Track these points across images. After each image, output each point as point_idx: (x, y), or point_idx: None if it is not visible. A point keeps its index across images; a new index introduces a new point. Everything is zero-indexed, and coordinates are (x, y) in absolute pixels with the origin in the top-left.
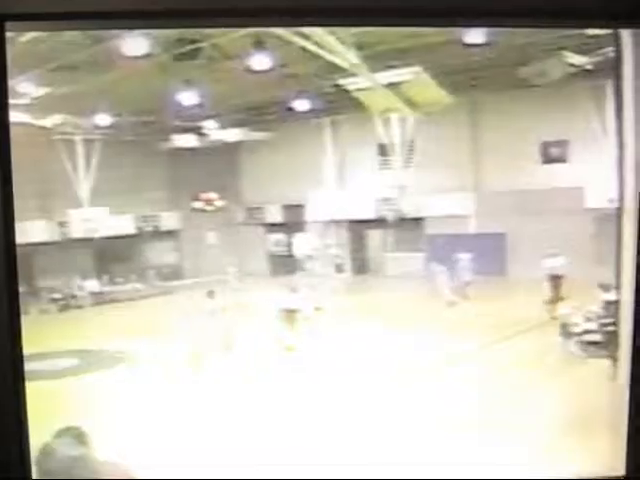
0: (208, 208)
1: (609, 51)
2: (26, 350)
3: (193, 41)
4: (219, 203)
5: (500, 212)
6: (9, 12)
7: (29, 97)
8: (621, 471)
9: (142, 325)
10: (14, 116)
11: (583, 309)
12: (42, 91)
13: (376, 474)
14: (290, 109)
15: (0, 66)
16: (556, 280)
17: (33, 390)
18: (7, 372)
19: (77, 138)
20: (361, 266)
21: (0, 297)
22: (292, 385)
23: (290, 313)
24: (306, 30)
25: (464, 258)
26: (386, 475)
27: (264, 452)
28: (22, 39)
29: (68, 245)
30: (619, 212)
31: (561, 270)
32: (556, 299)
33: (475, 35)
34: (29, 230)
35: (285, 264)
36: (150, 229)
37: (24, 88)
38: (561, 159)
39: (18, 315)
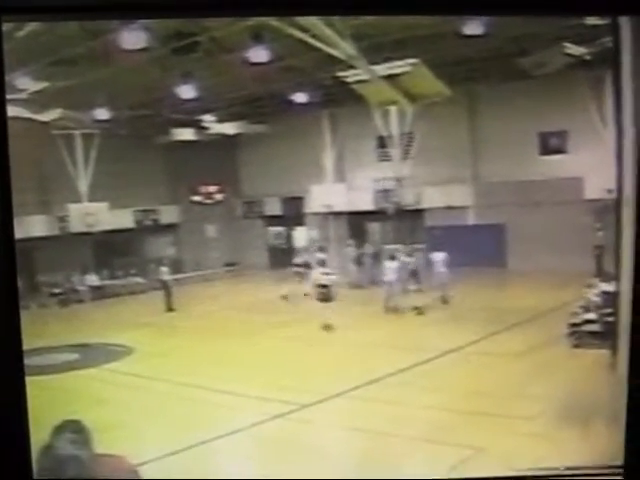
0: (207, 201)
1: (608, 41)
2: (26, 345)
3: (191, 34)
4: (218, 196)
5: (499, 203)
6: (5, 5)
7: (27, 92)
8: (620, 460)
9: (143, 319)
10: (12, 111)
11: (583, 300)
12: (40, 85)
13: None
14: (288, 102)
15: None
16: None
17: (33, 385)
18: (7, 367)
19: (76, 132)
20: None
21: None
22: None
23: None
24: (304, 22)
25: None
26: (385, 473)
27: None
28: (20, 33)
29: (68, 240)
30: (618, 202)
31: None
32: None
33: (473, 26)
34: (28, 225)
35: (284, 257)
36: (149, 223)
37: (22, 83)
38: (560, 150)
39: (17, 310)
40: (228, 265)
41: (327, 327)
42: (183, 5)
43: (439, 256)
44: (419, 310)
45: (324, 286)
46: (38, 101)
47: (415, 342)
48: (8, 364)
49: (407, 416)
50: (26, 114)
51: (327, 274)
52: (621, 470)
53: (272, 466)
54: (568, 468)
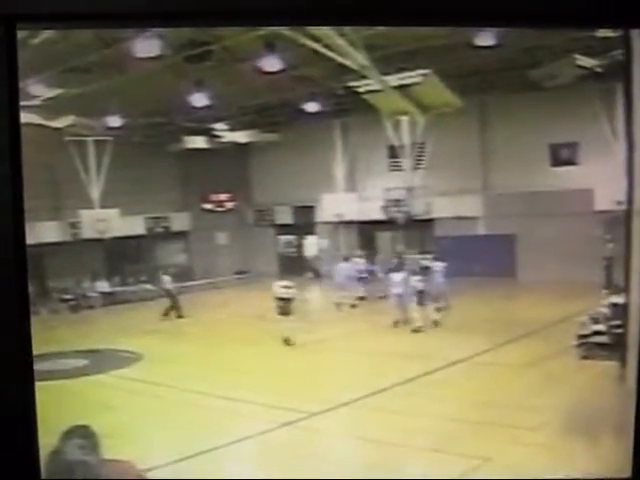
0: (218, 209)
1: (619, 53)
2: (36, 350)
3: (204, 43)
4: (229, 204)
5: (509, 214)
6: (20, 13)
7: (41, 98)
8: (628, 472)
9: (152, 325)
10: (26, 117)
11: (592, 311)
12: (54, 92)
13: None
14: (300, 111)
15: (11, 67)
16: None
17: (43, 390)
18: (17, 372)
19: (89, 139)
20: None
21: (10, 298)
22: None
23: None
24: (316, 32)
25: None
26: (386, 474)
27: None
28: (34, 41)
29: (79, 246)
30: (628, 214)
31: None
32: None
33: (485, 38)
34: (40, 230)
35: (295, 265)
36: (161, 230)
37: (36, 89)
38: (571, 161)
39: (28, 315)
40: (238, 273)
41: (287, 341)
42: (196, 14)
43: (438, 266)
44: (436, 322)
45: (284, 299)
46: (51, 108)
47: (422, 352)
48: (18, 369)
49: (414, 426)
50: (39, 121)
51: (287, 287)
52: None
53: (280, 474)
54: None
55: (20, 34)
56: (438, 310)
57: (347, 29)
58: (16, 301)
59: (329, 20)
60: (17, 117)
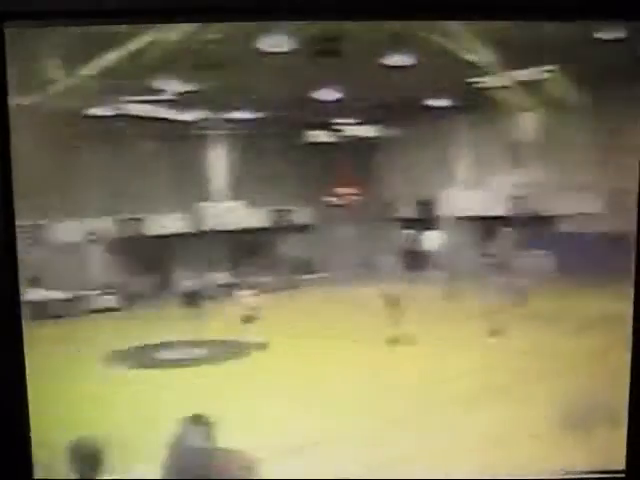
0: (342, 203)
1: None
2: (160, 339)
3: (332, 38)
4: (353, 198)
5: (631, 211)
6: (8, 10)
7: (172, 93)
8: (621, 464)
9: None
10: (157, 111)
11: None
12: (186, 87)
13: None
14: (425, 107)
15: (0, 66)
16: None
17: (166, 378)
18: (9, 364)
19: (216, 133)
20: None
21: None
22: None
23: None
24: (444, 28)
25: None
26: (387, 473)
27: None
28: (172, 38)
29: (204, 238)
30: None
31: None
32: None
33: (611, 31)
34: (165, 222)
35: (417, 260)
36: (284, 223)
37: (168, 85)
38: None
39: (19, 307)
40: (358, 267)
41: None
42: (193, 11)
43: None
44: None
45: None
46: (182, 102)
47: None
48: (10, 361)
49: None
50: (170, 115)
51: None
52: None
53: None
54: (567, 472)
55: (150, 35)
56: None
57: (475, 24)
58: (6, 291)
59: (358, 15)
60: (6, 115)
